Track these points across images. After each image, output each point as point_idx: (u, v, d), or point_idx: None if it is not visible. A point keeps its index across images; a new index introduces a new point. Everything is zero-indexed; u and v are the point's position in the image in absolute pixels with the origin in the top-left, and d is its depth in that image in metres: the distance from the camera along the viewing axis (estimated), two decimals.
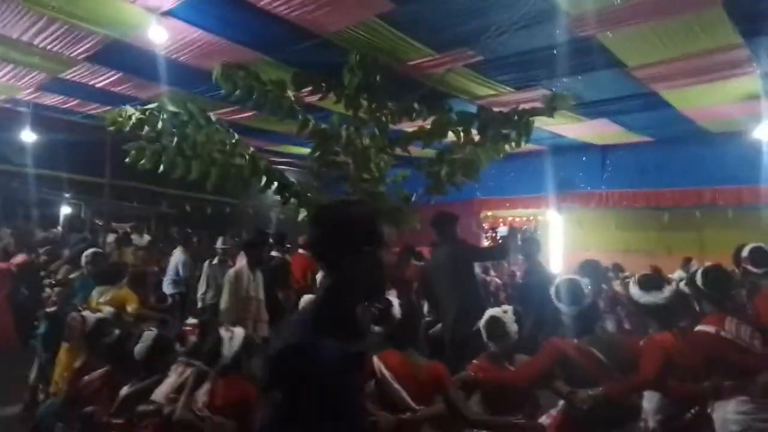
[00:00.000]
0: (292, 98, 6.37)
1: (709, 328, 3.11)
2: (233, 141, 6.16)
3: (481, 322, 3.24)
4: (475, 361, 3.23)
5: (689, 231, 10.47)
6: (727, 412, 3.04)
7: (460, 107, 6.90)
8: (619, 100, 7.38)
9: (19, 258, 7.53)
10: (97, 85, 7.40)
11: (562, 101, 5.93)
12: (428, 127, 6.66)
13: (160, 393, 3.03)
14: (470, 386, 3.04)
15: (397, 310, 2.98)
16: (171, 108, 5.79)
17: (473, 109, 6.89)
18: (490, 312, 3.25)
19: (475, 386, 3.06)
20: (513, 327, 3.15)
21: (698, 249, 9.79)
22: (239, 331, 3.16)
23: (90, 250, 5.87)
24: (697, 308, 3.44)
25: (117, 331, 3.64)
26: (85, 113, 9.02)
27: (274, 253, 7.69)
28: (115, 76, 7.10)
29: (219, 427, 2.84)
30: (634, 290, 3.16)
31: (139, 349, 3.22)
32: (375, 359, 2.88)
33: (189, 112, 5.90)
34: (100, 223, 11.85)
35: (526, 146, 9.89)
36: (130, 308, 5.04)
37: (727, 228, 9.88)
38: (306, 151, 10.35)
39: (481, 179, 10.69)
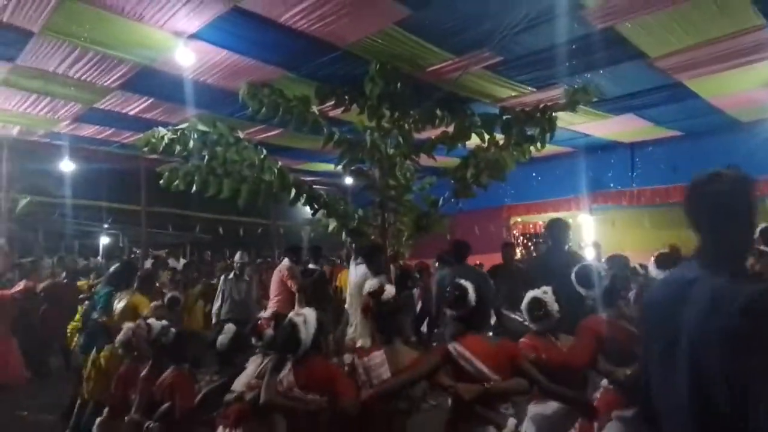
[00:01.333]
0: (317, 112, 6.51)
1: None
2: (261, 157, 6.30)
3: (523, 304, 3.38)
4: (523, 340, 3.37)
5: None
6: None
7: (483, 110, 6.94)
8: (644, 93, 7.31)
9: (21, 285, 7.77)
10: (130, 113, 7.70)
11: (584, 95, 5.92)
12: (451, 132, 6.71)
13: (239, 383, 3.14)
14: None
15: (472, 296, 3.11)
16: (201, 127, 5.97)
17: (496, 111, 6.92)
18: (531, 293, 3.38)
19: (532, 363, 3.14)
20: (554, 306, 3.29)
21: None
22: (310, 312, 3.15)
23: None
24: None
25: (173, 330, 3.78)
26: (120, 143, 9.35)
27: (311, 266, 7.82)
28: (147, 103, 7.38)
29: (314, 403, 2.86)
30: (652, 268, 3.38)
31: (221, 340, 3.34)
32: (454, 342, 3.05)
33: (218, 131, 6.07)
34: (138, 251, 12.20)
35: (553, 149, 9.98)
36: (143, 313, 5.28)
37: (765, 219, 9.63)
38: (332, 167, 10.61)
39: (510, 185, 10.73)
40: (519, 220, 12.50)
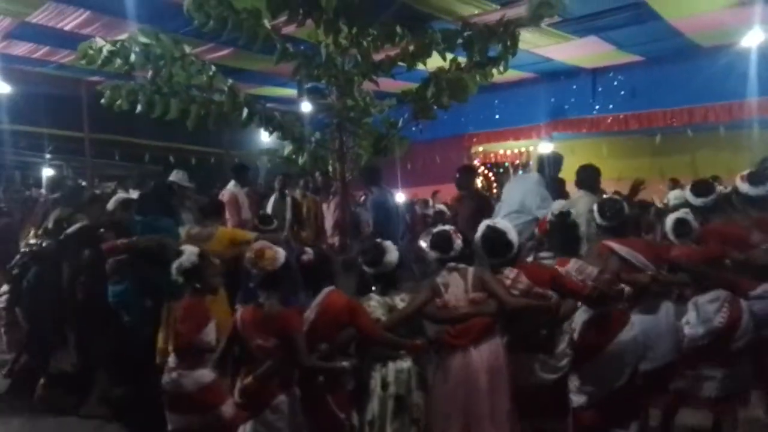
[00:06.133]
0: (269, 27, 6.12)
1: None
2: (210, 74, 5.93)
3: (669, 225, 3.91)
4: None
5: (681, 154, 10.40)
6: None
7: (445, 28, 6.65)
8: (608, 13, 7.18)
9: None
10: (66, 28, 7.12)
11: (548, 8, 5.70)
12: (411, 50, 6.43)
13: (454, 297, 3.05)
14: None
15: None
16: (143, 39, 5.53)
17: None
18: (676, 215, 3.92)
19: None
20: (695, 224, 3.84)
21: (691, 172, 9.66)
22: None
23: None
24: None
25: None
26: (57, 62, 8.70)
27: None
28: (83, 16, 6.85)
29: (555, 299, 3.09)
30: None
31: (388, 259, 3.17)
32: (611, 243, 3.63)
33: (162, 45, 5.64)
34: (84, 184, 11.63)
35: (515, 74, 9.79)
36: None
37: (719, 148, 9.81)
38: (287, 92, 10.20)
39: (471, 112, 10.56)
40: (480, 149, 12.41)
